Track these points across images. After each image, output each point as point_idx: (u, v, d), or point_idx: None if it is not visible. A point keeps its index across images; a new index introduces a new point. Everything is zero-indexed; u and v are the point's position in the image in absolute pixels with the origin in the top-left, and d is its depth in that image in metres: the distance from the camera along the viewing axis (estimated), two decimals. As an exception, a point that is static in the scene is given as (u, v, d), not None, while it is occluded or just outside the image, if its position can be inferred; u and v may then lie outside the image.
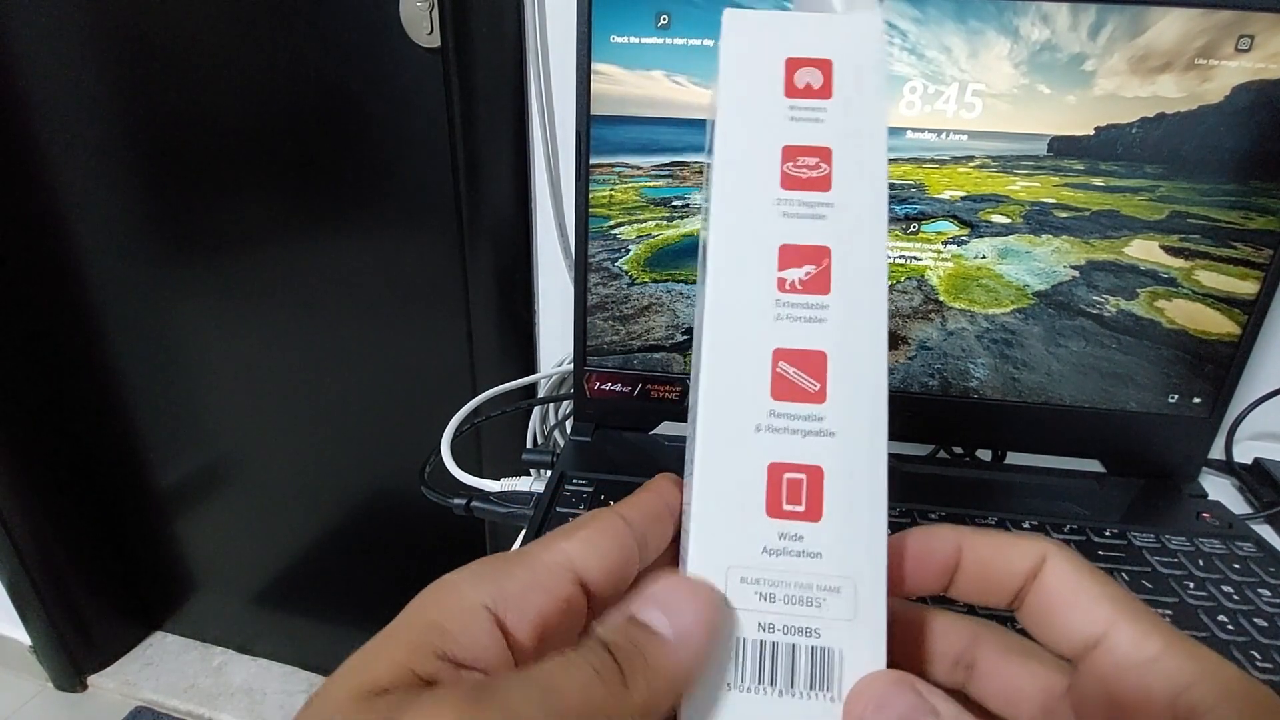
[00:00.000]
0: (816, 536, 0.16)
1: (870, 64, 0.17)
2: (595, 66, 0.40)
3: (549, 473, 0.44)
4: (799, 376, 0.16)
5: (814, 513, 0.16)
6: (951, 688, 0.17)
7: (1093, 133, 0.39)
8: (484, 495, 0.45)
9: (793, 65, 0.17)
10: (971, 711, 0.16)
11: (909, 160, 0.41)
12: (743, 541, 0.16)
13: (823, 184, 0.17)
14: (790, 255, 0.17)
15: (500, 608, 0.15)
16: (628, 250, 0.44)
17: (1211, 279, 0.41)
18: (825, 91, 0.17)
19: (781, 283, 0.16)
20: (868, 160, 0.17)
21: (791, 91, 0.17)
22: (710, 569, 0.16)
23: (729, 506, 0.16)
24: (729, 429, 0.16)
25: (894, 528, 0.16)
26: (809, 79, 0.17)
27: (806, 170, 0.17)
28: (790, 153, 0.17)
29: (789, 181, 0.17)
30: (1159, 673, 0.14)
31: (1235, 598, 0.34)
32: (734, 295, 0.17)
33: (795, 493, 0.16)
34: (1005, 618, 0.18)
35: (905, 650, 0.18)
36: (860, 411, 0.16)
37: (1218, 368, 0.42)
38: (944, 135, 0.40)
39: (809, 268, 0.16)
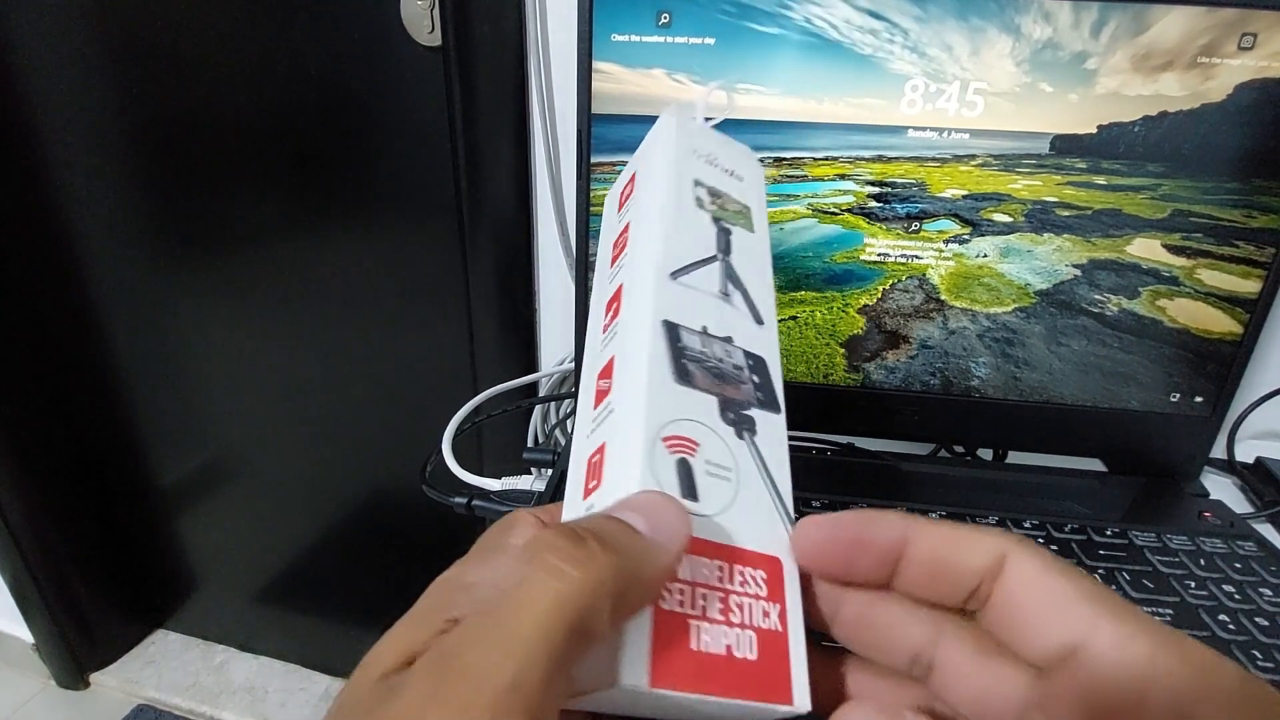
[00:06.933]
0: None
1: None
2: (596, 65, 0.40)
3: (550, 471, 0.44)
4: (603, 383, 0.20)
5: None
6: (910, 685, 0.17)
7: (1095, 131, 0.39)
8: (485, 494, 0.45)
9: None
10: (940, 716, 0.16)
11: (910, 159, 0.40)
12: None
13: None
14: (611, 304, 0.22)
15: None
16: (629, 249, 0.44)
17: (1214, 278, 0.40)
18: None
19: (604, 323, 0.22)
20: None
21: None
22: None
23: (572, 492, 0.19)
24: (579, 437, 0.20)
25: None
26: None
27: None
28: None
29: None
30: (1153, 678, 0.13)
31: (1236, 597, 0.34)
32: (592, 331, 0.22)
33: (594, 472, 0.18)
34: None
35: (859, 640, 0.17)
36: (628, 393, 0.18)
37: (1220, 366, 0.42)
38: (945, 134, 0.40)
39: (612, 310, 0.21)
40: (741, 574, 0.16)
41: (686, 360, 0.19)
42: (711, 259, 0.21)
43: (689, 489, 0.17)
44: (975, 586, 0.16)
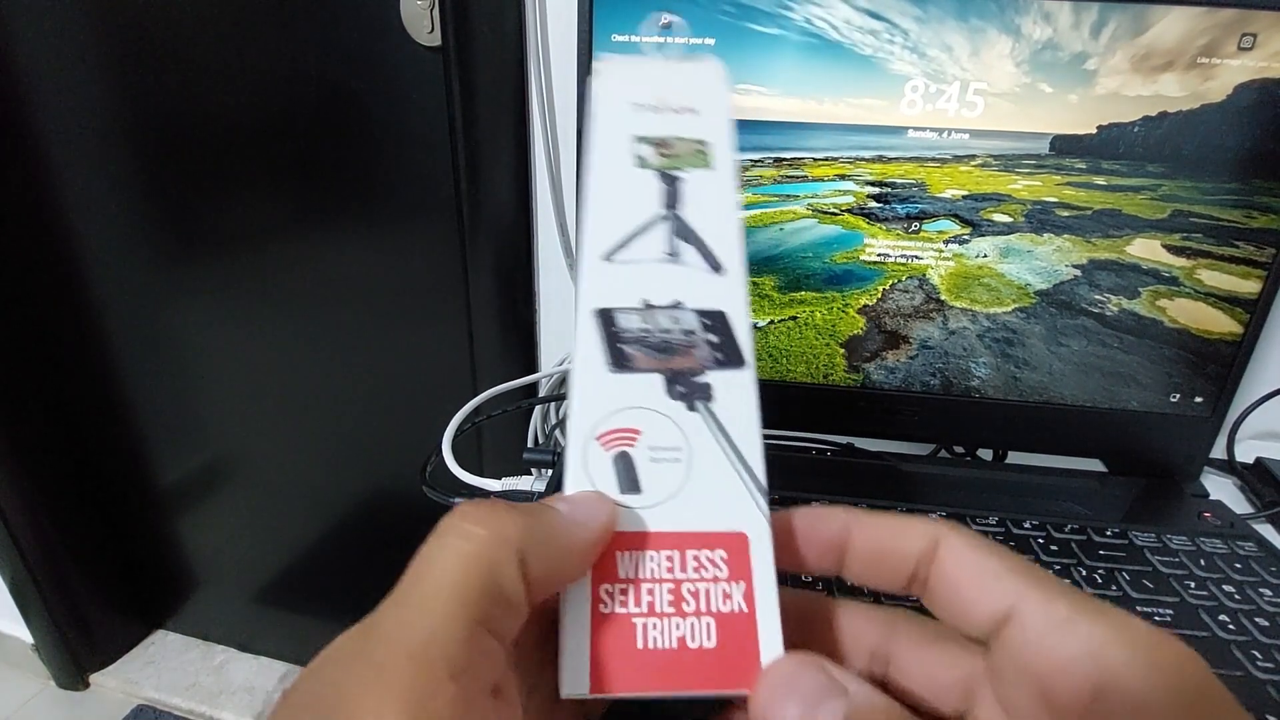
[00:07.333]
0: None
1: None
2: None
3: (550, 472, 0.44)
4: None
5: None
6: (872, 680, 0.17)
7: (1095, 131, 0.39)
8: (485, 494, 0.45)
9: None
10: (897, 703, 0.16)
11: (910, 159, 0.40)
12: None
13: None
14: None
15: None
16: (629, 249, 0.44)
17: (1213, 278, 0.40)
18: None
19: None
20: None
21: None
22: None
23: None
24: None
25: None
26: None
27: None
28: None
29: None
30: (1072, 636, 0.14)
31: (1236, 597, 0.34)
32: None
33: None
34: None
35: (818, 644, 0.18)
36: (570, 395, 0.19)
37: (1220, 367, 0.42)
38: (945, 134, 0.40)
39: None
40: (696, 558, 0.16)
41: (624, 344, 0.18)
42: (655, 220, 0.20)
43: (630, 482, 0.17)
44: (914, 570, 0.17)
